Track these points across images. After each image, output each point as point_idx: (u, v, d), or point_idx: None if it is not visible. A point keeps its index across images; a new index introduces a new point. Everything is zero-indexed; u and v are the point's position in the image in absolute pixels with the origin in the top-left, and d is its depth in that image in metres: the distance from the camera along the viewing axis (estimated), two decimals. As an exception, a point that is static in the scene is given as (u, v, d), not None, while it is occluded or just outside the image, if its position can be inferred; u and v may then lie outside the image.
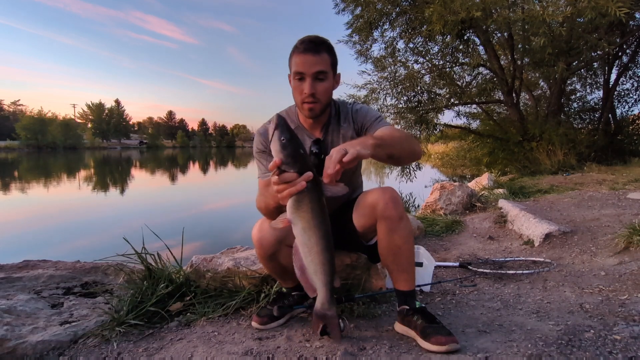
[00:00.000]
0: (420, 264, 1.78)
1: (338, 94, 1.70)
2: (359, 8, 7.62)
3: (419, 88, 7.99)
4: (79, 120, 65.92)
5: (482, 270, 2.09)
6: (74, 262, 2.11)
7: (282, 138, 0.99)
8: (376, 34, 7.90)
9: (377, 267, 1.66)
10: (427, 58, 8.10)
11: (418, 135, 8.45)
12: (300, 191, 0.98)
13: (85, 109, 67.67)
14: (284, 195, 0.99)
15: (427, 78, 8.21)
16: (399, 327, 1.34)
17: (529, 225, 2.73)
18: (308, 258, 1.05)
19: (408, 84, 7.77)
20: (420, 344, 1.21)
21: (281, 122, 1.03)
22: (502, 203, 3.54)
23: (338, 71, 1.38)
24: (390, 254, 1.30)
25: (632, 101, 9.36)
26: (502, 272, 2.04)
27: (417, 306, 1.30)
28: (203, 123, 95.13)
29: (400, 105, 8.21)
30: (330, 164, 0.96)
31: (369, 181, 11.21)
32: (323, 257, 1.05)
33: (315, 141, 1.40)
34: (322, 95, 1.30)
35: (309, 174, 0.97)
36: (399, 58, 7.99)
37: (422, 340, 1.21)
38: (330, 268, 1.07)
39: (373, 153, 1.05)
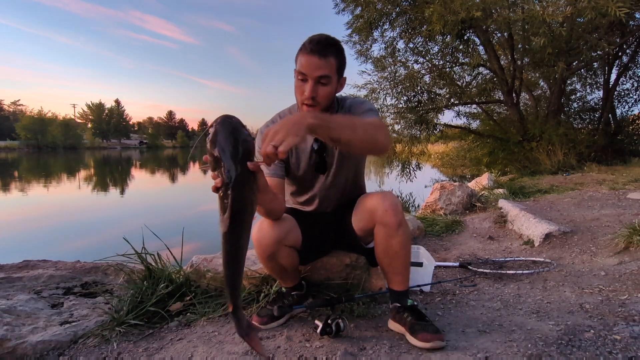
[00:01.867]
0: (420, 264, 1.78)
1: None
2: (359, 8, 7.61)
3: (419, 88, 7.98)
4: (79, 120, 66.06)
5: (482, 270, 2.09)
6: (74, 262, 2.11)
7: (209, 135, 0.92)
8: (376, 34, 7.89)
9: (377, 268, 1.66)
10: (427, 58, 8.09)
11: (418, 135, 8.45)
12: (220, 196, 0.91)
13: (85, 109, 67.80)
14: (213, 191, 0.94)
15: (427, 78, 8.20)
16: (391, 324, 1.37)
17: (529, 225, 2.73)
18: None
19: (408, 84, 7.76)
20: (408, 339, 1.25)
21: (218, 121, 0.94)
22: (502, 203, 3.54)
23: (345, 74, 1.34)
24: (387, 258, 1.32)
25: (632, 101, 9.35)
26: (502, 272, 2.04)
27: (408, 304, 1.34)
28: (203, 123, 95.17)
29: (400, 105, 8.20)
30: (264, 149, 0.93)
31: (369, 181, 11.19)
32: (225, 271, 0.98)
33: (316, 139, 1.40)
34: (323, 99, 1.28)
35: (216, 181, 0.90)
36: (399, 58, 7.99)
37: (410, 336, 1.24)
38: (231, 285, 0.99)
39: (305, 135, 1.00)
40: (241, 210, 0.92)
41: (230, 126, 0.92)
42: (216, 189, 0.91)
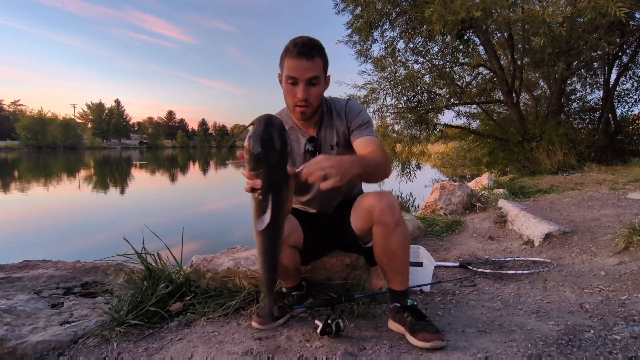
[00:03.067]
0: (420, 264, 1.78)
1: (338, 95, 1.73)
2: (359, 8, 7.61)
3: (419, 88, 7.98)
4: (79, 120, 66.04)
5: (482, 270, 2.09)
6: (74, 262, 2.11)
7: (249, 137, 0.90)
8: (376, 34, 7.89)
9: (377, 267, 1.66)
10: (427, 58, 8.09)
11: (418, 135, 8.45)
12: (256, 196, 0.90)
13: (85, 109, 67.78)
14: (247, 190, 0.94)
15: (427, 78, 8.20)
16: (391, 324, 1.37)
17: (529, 225, 2.73)
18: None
19: (408, 84, 7.76)
20: (408, 339, 1.25)
21: (262, 120, 0.92)
22: (502, 203, 3.54)
23: (329, 73, 1.40)
24: (385, 257, 1.32)
25: (632, 101, 9.34)
26: (502, 272, 2.04)
27: (408, 304, 1.34)
28: (203, 123, 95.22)
29: (400, 105, 8.20)
30: (313, 171, 0.94)
31: (369, 181, 11.17)
32: (264, 272, 1.00)
33: (309, 139, 1.43)
34: (315, 99, 1.32)
35: (255, 182, 0.88)
36: (399, 58, 7.98)
37: (410, 336, 1.24)
38: (268, 282, 1.02)
39: (350, 178, 1.01)
40: (280, 212, 0.92)
41: (275, 127, 0.89)
42: (252, 190, 0.90)
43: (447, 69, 8.17)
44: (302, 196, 1.55)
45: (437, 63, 8.09)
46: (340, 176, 0.97)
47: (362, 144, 1.35)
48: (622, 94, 9.36)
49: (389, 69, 7.97)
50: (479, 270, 2.10)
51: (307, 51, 1.26)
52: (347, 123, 1.42)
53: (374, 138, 1.38)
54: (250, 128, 0.89)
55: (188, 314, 1.55)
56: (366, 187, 1.65)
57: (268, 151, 0.86)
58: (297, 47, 1.26)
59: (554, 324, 1.36)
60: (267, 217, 0.88)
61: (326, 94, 1.46)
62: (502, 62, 7.82)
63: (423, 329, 1.22)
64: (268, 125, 0.88)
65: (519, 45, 7.19)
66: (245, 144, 0.88)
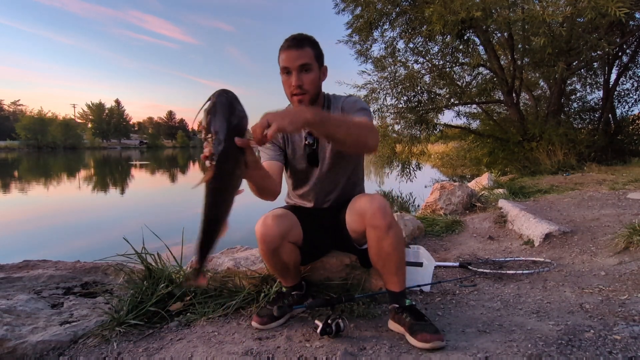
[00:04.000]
0: (420, 264, 1.78)
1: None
2: (359, 8, 7.61)
3: (419, 88, 7.97)
4: (79, 120, 66.10)
5: (482, 270, 2.09)
6: (74, 262, 2.11)
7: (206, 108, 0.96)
8: (376, 34, 7.89)
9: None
10: (427, 58, 8.09)
11: (418, 135, 8.45)
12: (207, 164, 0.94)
13: (85, 109, 67.81)
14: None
15: (427, 78, 8.19)
16: (391, 324, 1.37)
17: (529, 225, 2.73)
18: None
19: (408, 84, 7.75)
20: (408, 339, 1.25)
21: (215, 93, 0.97)
22: (502, 203, 3.54)
23: (325, 64, 1.43)
24: (380, 259, 1.33)
25: (632, 101, 9.35)
26: (502, 272, 2.04)
27: (406, 304, 1.34)
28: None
29: (400, 105, 8.20)
30: (255, 131, 0.97)
31: (369, 181, 11.20)
32: (201, 236, 1.02)
33: (309, 132, 1.44)
34: (309, 86, 1.35)
35: (205, 150, 0.93)
36: (399, 58, 7.98)
37: (410, 336, 1.25)
38: (201, 251, 1.04)
39: (301, 128, 1.02)
40: (223, 181, 0.96)
41: (225, 100, 0.95)
42: (205, 158, 0.94)
43: (447, 69, 8.17)
44: (298, 189, 1.56)
45: (437, 63, 8.09)
46: (288, 120, 0.97)
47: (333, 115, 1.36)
48: (622, 94, 9.36)
49: (389, 69, 7.97)
50: (479, 270, 2.10)
51: (296, 42, 1.34)
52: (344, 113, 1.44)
53: (365, 117, 1.36)
54: (207, 102, 0.96)
55: (188, 314, 1.55)
56: (367, 188, 1.65)
57: (215, 122, 0.93)
58: (287, 41, 1.35)
59: (554, 324, 1.36)
60: (209, 184, 0.94)
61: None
62: (502, 62, 7.82)
63: (422, 329, 1.23)
64: (219, 98, 0.95)
65: (519, 45, 7.19)
66: (202, 116, 0.95)
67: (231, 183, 0.99)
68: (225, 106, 0.95)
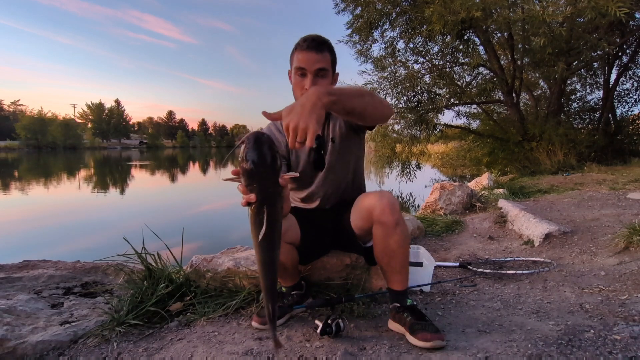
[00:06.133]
0: (420, 264, 1.78)
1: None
2: (359, 8, 7.62)
3: (419, 88, 7.98)
4: (79, 120, 66.12)
5: (482, 270, 2.09)
6: (74, 262, 2.11)
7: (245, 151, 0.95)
8: (376, 34, 7.90)
9: (377, 267, 1.66)
10: (427, 58, 8.09)
11: (418, 135, 8.45)
12: (252, 209, 0.94)
13: (85, 109, 67.86)
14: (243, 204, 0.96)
15: (427, 78, 8.20)
16: (391, 324, 1.37)
17: (529, 225, 2.73)
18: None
19: (408, 84, 7.76)
20: (408, 339, 1.25)
21: (251, 138, 0.96)
22: (502, 203, 3.54)
23: (337, 71, 1.43)
24: (385, 257, 1.33)
25: (632, 101, 9.36)
26: (502, 272, 2.04)
27: (407, 304, 1.34)
28: (203, 123, 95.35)
29: (400, 105, 8.20)
30: (291, 143, 0.97)
31: (369, 181, 11.19)
32: (263, 280, 1.00)
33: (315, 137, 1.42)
34: None
35: (249, 196, 0.91)
36: (399, 58, 7.99)
37: (410, 335, 1.24)
38: (270, 295, 1.01)
39: (323, 116, 0.99)
40: (276, 222, 0.96)
41: (264, 143, 0.94)
42: (247, 204, 0.93)
43: (447, 69, 8.17)
44: (299, 192, 1.55)
45: (437, 63, 8.09)
46: (311, 122, 0.94)
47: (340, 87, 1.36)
48: (622, 94, 9.37)
49: (389, 69, 7.97)
50: (479, 270, 2.09)
51: (316, 45, 1.32)
52: None
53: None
54: (242, 147, 0.94)
55: (188, 314, 1.55)
56: (368, 187, 1.65)
57: (259, 167, 0.91)
58: (307, 41, 1.33)
59: (554, 324, 1.36)
60: (264, 229, 0.92)
61: None
62: (502, 62, 7.82)
63: (423, 328, 1.23)
64: (257, 143, 0.93)
65: (519, 45, 7.19)
66: (240, 162, 0.93)
67: (280, 221, 0.99)
68: (264, 150, 0.92)
